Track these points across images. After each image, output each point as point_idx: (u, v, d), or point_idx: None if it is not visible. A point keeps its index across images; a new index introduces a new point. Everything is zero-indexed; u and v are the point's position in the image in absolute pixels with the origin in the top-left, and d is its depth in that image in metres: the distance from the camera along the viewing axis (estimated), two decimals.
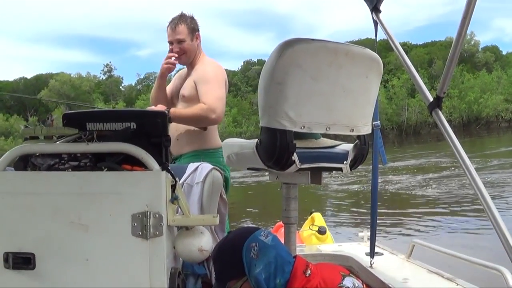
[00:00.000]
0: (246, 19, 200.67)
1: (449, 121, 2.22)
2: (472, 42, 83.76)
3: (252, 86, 77.76)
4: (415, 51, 76.98)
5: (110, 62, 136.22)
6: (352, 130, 2.35)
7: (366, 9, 3.07)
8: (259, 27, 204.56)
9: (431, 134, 59.90)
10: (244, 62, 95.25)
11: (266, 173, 2.67)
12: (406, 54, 2.73)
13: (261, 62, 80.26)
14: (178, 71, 4.19)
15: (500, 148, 30.61)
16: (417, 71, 2.61)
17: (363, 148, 2.47)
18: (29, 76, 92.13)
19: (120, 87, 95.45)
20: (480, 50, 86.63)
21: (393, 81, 70.51)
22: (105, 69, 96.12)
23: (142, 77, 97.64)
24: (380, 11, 2.97)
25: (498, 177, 16.32)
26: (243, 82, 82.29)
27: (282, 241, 2.62)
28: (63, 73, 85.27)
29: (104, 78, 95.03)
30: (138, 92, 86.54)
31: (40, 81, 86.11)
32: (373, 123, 2.65)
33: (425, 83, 2.50)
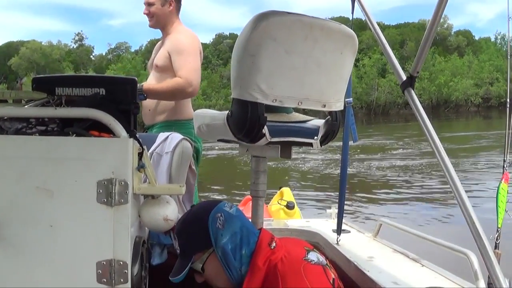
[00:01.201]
0: None
1: None
2: (445, 26, 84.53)
3: (223, 59, 77.45)
4: (387, 31, 77.07)
5: (81, 31, 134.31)
6: (324, 106, 2.34)
7: None
8: (233, 0, 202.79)
9: (399, 115, 60.54)
10: (216, 35, 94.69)
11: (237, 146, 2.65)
12: None
13: (233, 36, 79.87)
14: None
15: (455, 133, 30.97)
16: None
17: (334, 125, 2.46)
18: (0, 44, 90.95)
19: (91, 56, 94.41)
20: (452, 34, 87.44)
21: (364, 60, 70.92)
22: (76, 38, 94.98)
23: (113, 46, 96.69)
24: None
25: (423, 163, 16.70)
26: (214, 55, 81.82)
27: (250, 215, 2.63)
28: (34, 41, 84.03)
29: (75, 47, 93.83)
30: (108, 62, 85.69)
31: (11, 49, 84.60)
32: (346, 99, 2.65)
33: None
